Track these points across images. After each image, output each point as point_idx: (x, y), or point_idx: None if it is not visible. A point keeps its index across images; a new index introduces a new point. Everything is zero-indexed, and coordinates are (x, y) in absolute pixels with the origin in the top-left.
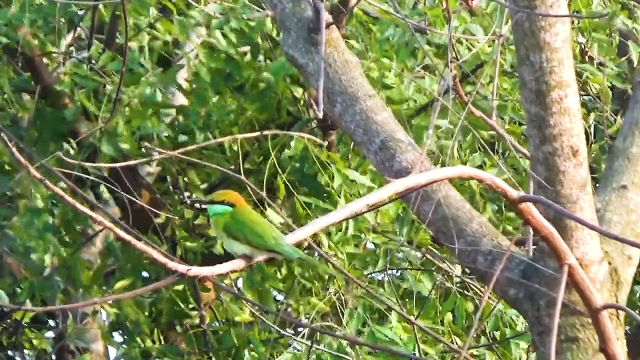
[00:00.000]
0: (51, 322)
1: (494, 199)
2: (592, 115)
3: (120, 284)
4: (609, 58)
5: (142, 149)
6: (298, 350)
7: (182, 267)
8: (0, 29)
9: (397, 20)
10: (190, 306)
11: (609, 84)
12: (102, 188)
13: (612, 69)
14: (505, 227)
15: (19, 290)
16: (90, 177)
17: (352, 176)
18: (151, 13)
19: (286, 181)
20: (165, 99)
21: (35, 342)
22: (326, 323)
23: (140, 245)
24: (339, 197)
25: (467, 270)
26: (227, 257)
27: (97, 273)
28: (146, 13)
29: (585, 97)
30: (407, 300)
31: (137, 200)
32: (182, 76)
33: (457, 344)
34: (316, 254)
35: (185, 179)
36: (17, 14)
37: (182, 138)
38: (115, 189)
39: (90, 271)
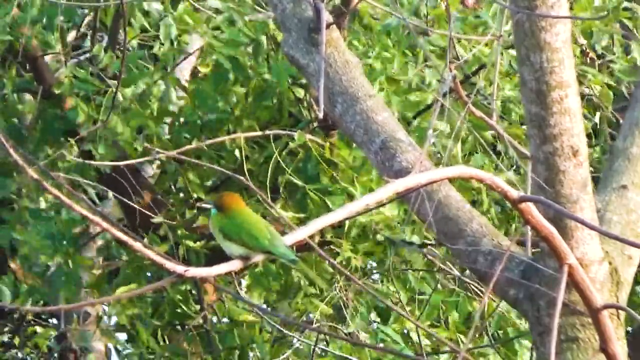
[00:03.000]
0: (53, 320)
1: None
2: (598, 114)
3: (122, 289)
4: (615, 53)
5: (142, 149)
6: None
7: (179, 268)
8: (4, 29)
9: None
10: (193, 307)
11: (614, 83)
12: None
13: (621, 64)
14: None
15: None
16: (88, 182)
17: (358, 157)
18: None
19: (292, 176)
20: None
21: (38, 342)
22: (329, 324)
23: (137, 246)
24: (343, 194)
25: (468, 270)
26: (230, 257)
27: (101, 277)
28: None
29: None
30: (409, 299)
31: (137, 201)
32: (183, 77)
33: (462, 342)
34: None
35: (187, 181)
36: (21, 14)
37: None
38: (115, 190)
39: (92, 270)
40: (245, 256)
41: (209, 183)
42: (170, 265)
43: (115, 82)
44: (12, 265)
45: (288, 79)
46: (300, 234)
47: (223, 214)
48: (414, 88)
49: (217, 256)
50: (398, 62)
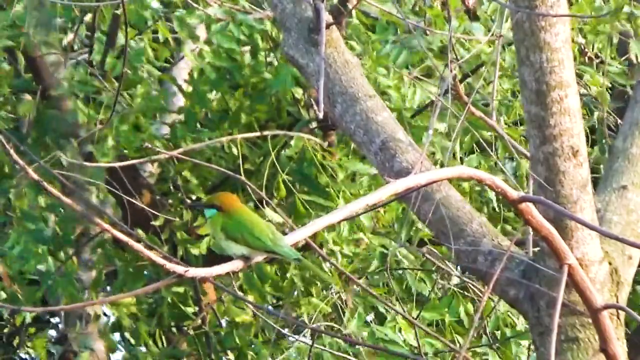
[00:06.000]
0: (53, 320)
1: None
2: (595, 114)
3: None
4: (610, 57)
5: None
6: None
7: (180, 268)
8: (3, 31)
9: (398, 20)
10: (192, 308)
11: (609, 84)
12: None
13: (616, 67)
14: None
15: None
16: (90, 180)
17: (353, 167)
18: (154, 9)
19: (286, 180)
20: (164, 105)
21: (36, 344)
22: (327, 323)
23: (137, 246)
24: (338, 197)
25: (466, 270)
26: (229, 257)
27: (98, 278)
28: (147, 15)
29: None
30: (407, 299)
31: (136, 202)
32: (181, 77)
33: (459, 343)
34: (317, 254)
35: (184, 182)
36: (21, 14)
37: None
38: (115, 190)
39: (92, 272)
40: (247, 256)
41: (208, 183)
42: (170, 265)
43: (116, 81)
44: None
45: (291, 84)
46: (300, 234)
47: (224, 213)
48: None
49: (216, 256)
50: (391, 78)
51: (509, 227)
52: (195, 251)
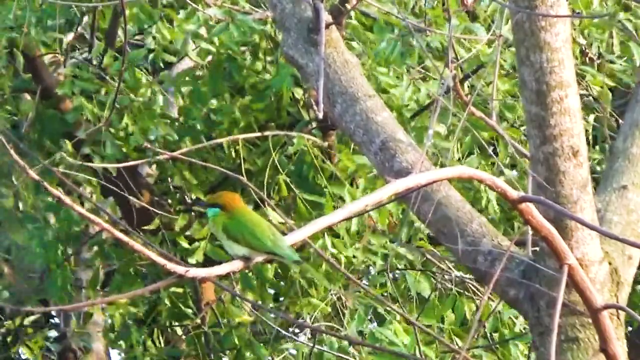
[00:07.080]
0: (52, 320)
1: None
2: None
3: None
4: (610, 53)
5: (143, 148)
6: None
7: (180, 268)
8: (4, 29)
9: (396, 21)
10: (191, 308)
11: (612, 84)
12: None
13: (620, 64)
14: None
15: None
16: (89, 178)
17: (359, 160)
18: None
19: (286, 180)
20: (164, 106)
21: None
22: (327, 323)
23: (138, 246)
24: (343, 199)
25: (465, 271)
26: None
27: (95, 277)
28: (147, 18)
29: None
30: (406, 300)
31: (136, 201)
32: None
33: (457, 344)
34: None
35: (183, 181)
36: (21, 13)
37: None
38: (115, 189)
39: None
40: (248, 256)
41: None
42: (171, 265)
43: (116, 81)
44: (5, 267)
45: (290, 84)
46: (300, 234)
47: (226, 213)
48: (408, 101)
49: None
50: (391, 77)
51: None
52: (192, 260)
